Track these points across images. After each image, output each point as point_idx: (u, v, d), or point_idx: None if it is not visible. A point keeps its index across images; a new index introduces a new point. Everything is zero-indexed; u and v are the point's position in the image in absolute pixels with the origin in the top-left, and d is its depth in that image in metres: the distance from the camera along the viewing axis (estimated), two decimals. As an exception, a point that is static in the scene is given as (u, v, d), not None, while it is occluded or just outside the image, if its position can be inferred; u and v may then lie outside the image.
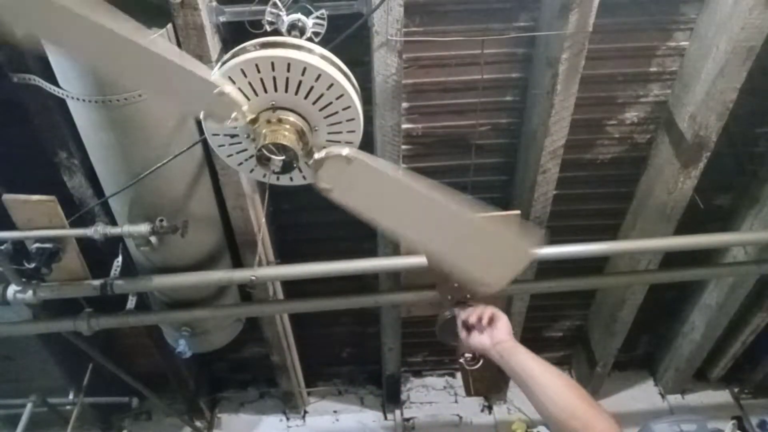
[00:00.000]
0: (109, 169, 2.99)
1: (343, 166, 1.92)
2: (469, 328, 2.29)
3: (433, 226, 1.92)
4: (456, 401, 5.64)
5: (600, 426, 1.70)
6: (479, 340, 2.20)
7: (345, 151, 1.92)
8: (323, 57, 2.10)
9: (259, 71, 2.18)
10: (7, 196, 2.91)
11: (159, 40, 2.09)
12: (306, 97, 2.10)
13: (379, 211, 1.95)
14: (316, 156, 1.94)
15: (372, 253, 4.07)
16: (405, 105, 3.41)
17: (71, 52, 1.83)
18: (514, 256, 2.06)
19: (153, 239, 3.02)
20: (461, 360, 3.02)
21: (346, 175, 1.93)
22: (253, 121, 2.04)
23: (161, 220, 2.98)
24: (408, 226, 1.97)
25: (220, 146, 2.48)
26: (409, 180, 1.90)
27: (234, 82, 2.00)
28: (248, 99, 2.04)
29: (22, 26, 1.82)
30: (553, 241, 3.84)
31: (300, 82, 2.06)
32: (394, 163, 3.46)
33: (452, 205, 1.90)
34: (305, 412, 5.63)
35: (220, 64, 2.35)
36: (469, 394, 2.92)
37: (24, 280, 3.21)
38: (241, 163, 2.53)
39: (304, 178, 2.58)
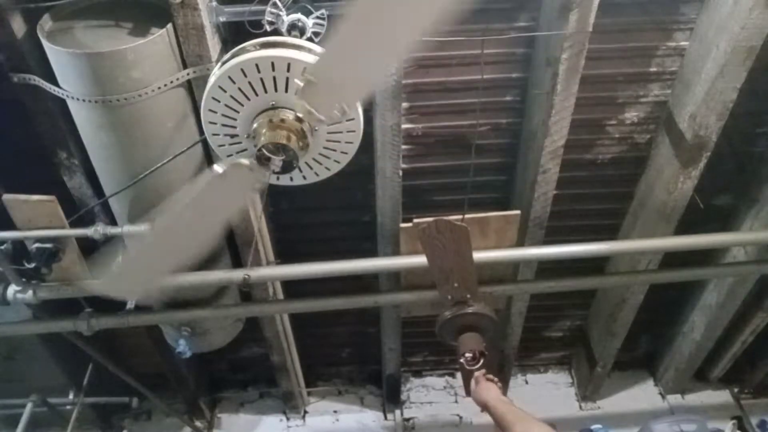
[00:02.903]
0: (109, 169, 2.99)
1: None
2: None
3: None
4: (456, 401, 5.64)
5: None
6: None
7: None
8: (323, 57, 2.10)
9: (259, 71, 2.18)
10: (7, 196, 2.91)
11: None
12: (306, 97, 2.10)
13: None
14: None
15: (372, 253, 4.07)
16: (405, 105, 3.41)
17: None
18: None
19: (153, 239, 3.02)
20: (461, 360, 3.03)
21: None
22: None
23: (161, 220, 2.98)
24: None
25: (220, 146, 2.48)
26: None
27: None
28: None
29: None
30: (553, 241, 3.85)
31: (300, 82, 2.06)
32: (395, 163, 3.46)
33: None
34: (305, 412, 5.63)
35: (220, 64, 2.35)
36: (468, 394, 2.95)
37: (24, 280, 3.21)
38: (241, 163, 2.53)
39: (304, 178, 2.59)
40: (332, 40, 1.72)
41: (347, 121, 2.24)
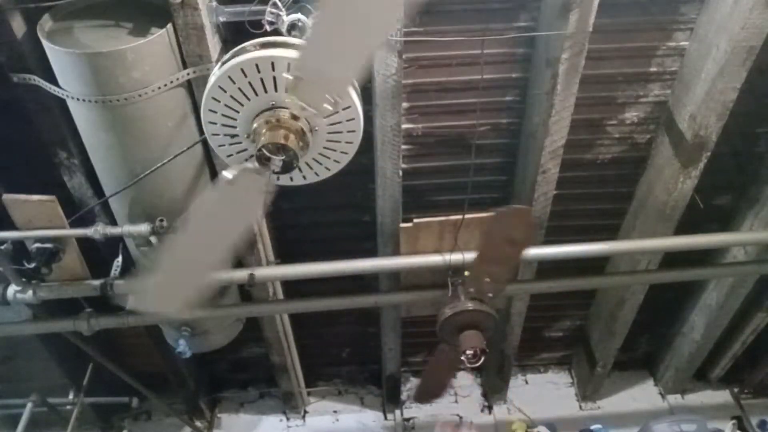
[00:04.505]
0: (109, 169, 3.00)
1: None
2: None
3: None
4: (456, 401, 5.64)
5: None
6: None
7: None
8: (323, 57, 2.10)
9: (259, 71, 2.18)
10: (7, 196, 2.92)
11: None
12: (306, 97, 2.10)
13: None
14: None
15: (372, 253, 4.07)
16: (405, 105, 3.41)
17: None
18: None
19: (153, 239, 3.03)
20: (462, 358, 3.04)
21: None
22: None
23: (161, 220, 2.98)
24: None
25: (220, 146, 2.48)
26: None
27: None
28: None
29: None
30: (553, 241, 3.85)
31: (300, 82, 2.06)
32: (395, 163, 3.46)
33: None
34: (305, 412, 5.63)
35: (220, 64, 2.35)
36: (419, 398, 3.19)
37: (24, 280, 3.21)
38: (241, 163, 2.53)
39: (304, 178, 2.59)
40: (310, 33, 1.73)
41: (343, 110, 2.23)
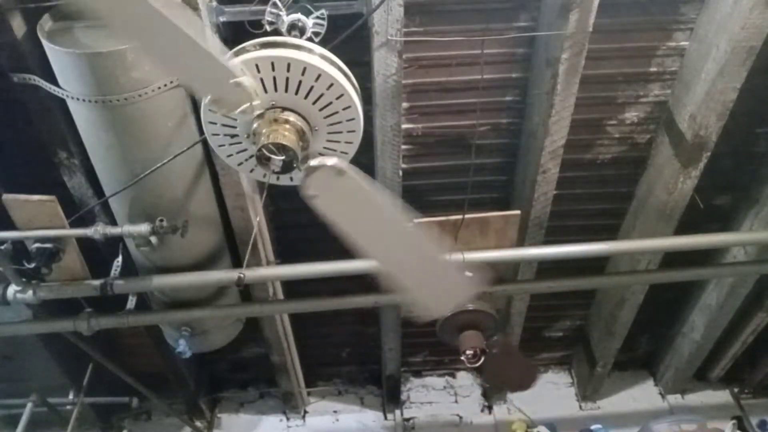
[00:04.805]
0: (109, 169, 3.00)
1: (333, 177, 1.98)
2: None
3: (397, 251, 2.08)
4: (456, 401, 5.64)
5: None
6: None
7: (339, 163, 1.97)
8: (323, 57, 2.10)
9: (259, 71, 2.18)
10: (7, 196, 2.91)
11: (194, 20, 2.21)
12: (306, 97, 2.10)
13: (354, 227, 2.05)
14: (311, 163, 1.99)
15: (372, 253, 4.07)
16: (405, 105, 3.41)
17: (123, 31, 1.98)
18: (456, 291, 2.31)
19: (153, 239, 3.03)
20: (462, 357, 3.04)
21: (335, 186, 1.99)
22: (260, 116, 2.08)
23: (161, 220, 2.98)
24: (375, 246, 2.09)
25: (220, 146, 2.48)
26: (389, 204, 2.02)
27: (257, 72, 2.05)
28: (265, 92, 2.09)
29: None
30: (553, 241, 3.85)
31: (300, 82, 2.07)
32: (395, 163, 3.46)
33: (420, 237, 2.06)
34: (305, 412, 5.63)
35: (220, 64, 2.35)
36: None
37: (24, 280, 3.21)
38: (241, 163, 2.53)
39: (304, 178, 2.59)
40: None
41: (343, 110, 2.24)
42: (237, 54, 2.26)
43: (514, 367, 3.36)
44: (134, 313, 3.50)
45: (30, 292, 3.22)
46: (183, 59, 1.82)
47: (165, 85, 2.69)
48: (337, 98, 2.19)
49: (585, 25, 2.92)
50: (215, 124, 2.37)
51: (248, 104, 1.95)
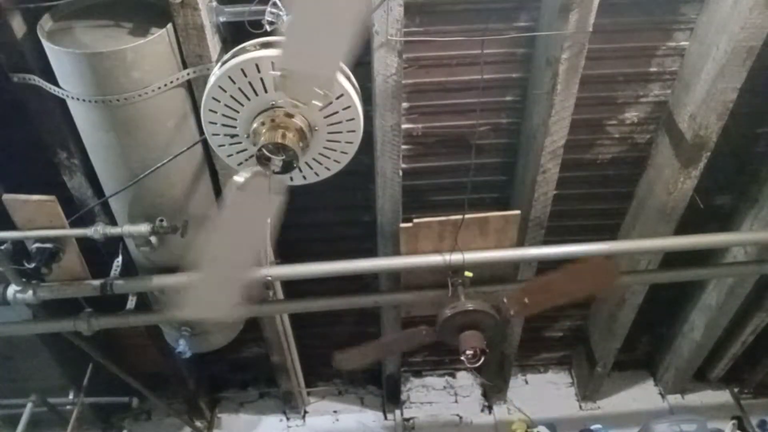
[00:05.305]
0: (109, 169, 2.99)
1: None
2: None
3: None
4: (456, 401, 5.64)
5: None
6: None
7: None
8: (323, 57, 2.10)
9: (259, 71, 2.18)
10: (7, 196, 2.91)
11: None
12: (306, 97, 2.10)
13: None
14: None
15: (372, 253, 4.07)
16: (405, 105, 3.41)
17: None
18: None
19: (153, 239, 3.03)
20: (462, 357, 3.04)
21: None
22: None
23: (161, 220, 2.98)
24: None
25: (220, 146, 2.48)
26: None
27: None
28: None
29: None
30: (553, 241, 3.84)
31: (300, 82, 2.06)
32: (395, 162, 3.46)
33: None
34: (305, 412, 5.63)
35: (220, 64, 2.35)
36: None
37: (24, 280, 3.21)
38: (241, 163, 2.54)
39: (304, 178, 2.60)
40: (288, 28, 1.76)
41: (343, 110, 2.24)
42: (237, 54, 2.26)
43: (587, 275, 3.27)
44: (134, 313, 3.51)
45: (30, 292, 3.22)
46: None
47: (165, 85, 2.69)
48: (337, 98, 2.19)
49: (585, 25, 2.92)
50: (215, 124, 2.38)
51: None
